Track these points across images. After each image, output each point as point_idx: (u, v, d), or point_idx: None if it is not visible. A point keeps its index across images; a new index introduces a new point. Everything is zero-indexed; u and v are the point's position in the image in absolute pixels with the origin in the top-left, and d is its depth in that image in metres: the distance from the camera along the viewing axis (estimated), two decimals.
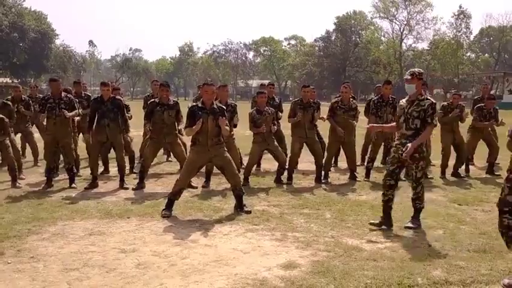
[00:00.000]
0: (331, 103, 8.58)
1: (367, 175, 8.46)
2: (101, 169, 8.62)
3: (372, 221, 5.49)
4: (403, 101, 5.50)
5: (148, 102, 8.15)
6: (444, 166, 8.85)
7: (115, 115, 7.71)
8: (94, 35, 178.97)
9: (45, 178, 7.76)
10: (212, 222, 5.73)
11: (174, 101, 7.73)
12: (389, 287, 3.81)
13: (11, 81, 51.89)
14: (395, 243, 4.93)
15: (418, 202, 5.47)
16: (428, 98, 5.35)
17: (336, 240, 5.01)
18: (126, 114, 8.43)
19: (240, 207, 6.17)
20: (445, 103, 9.18)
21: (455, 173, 8.84)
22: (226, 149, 6.32)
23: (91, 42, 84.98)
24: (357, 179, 8.34)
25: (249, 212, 6.06)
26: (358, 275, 4.02)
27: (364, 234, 5.25)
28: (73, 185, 7.67)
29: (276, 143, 8.10)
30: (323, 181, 8.17)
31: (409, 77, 5.29)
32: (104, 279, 4.00)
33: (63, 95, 7.77)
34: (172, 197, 6.10)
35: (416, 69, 5.40)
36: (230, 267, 4.26)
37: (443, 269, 4.18)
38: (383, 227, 5.43)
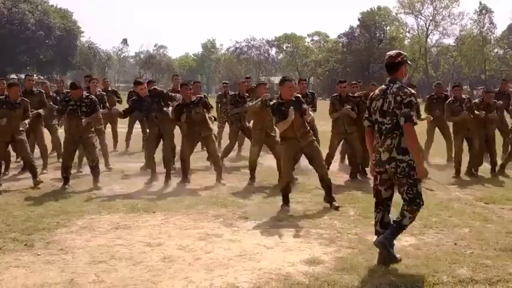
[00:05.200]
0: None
1: None
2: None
3: None
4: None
5: (174, 106, 7.94)
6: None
7: (159, 105, 7.71)
8: (118, 32, 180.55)
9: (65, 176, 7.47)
10: (236, 217, 5.78)
11: (197, 97, 7.73)
12: (414, 284, 3.80)
13: (37, 77, 52.89)
14: (420, 241, 4.89)
15: None
16: None
17: (359, 237, 5.00)
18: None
19: (328, 200, 6.20)
20: (477, 100, 8.93)
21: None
22: (314, 139, 6.42)
23: (124, 41, 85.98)
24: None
25: (337, 209, 6.05)
26: (382, 272, 4.01)
27: None
28: (98, 184, 7.39)
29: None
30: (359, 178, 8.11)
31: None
32: (131, 271, 4.09)
33: (84, 96, 7.58)
34: (285, 191, 6.22)
35: None
36: (254, 262, 4.30)
37: (469, 268, 4.13)
38: None
